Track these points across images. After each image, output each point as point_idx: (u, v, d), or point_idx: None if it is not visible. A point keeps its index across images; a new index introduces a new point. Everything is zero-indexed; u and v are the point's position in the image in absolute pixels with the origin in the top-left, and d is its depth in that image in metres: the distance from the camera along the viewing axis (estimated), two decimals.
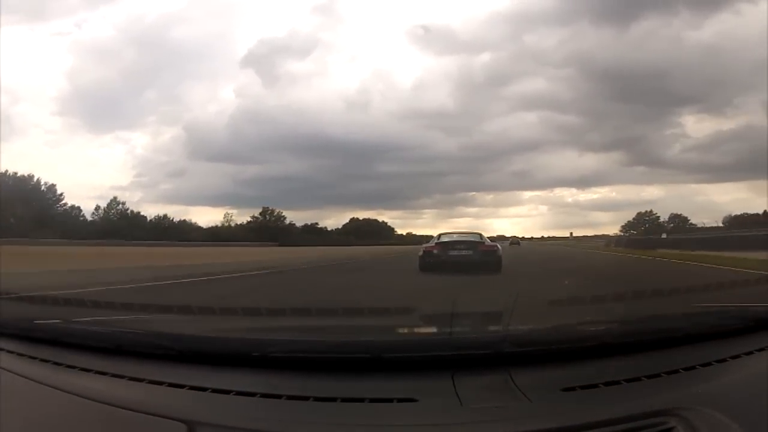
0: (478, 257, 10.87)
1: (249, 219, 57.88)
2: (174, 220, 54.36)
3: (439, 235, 12.65)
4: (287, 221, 56.93)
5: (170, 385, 1.10)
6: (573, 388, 1.04)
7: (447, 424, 0.93)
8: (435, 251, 11.29)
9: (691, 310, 1.88)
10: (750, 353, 1.21)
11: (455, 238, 12.12)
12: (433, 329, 1.76)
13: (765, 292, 3.83)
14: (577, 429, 0.88)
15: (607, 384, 1.05)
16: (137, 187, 78.18)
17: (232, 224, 57.65)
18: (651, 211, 58.89)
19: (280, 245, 40.48)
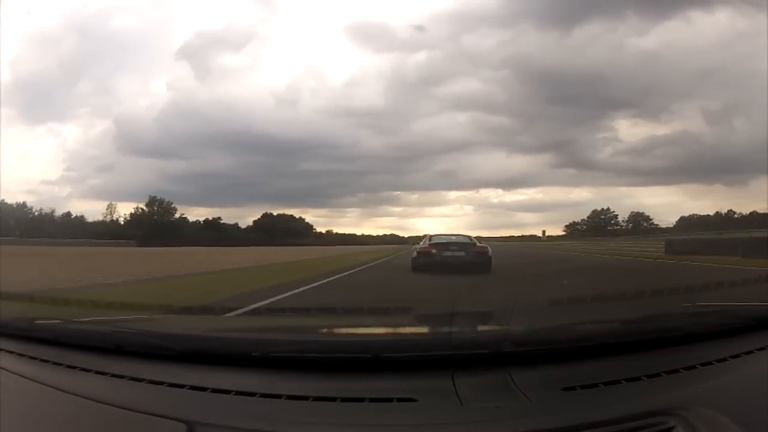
0: (470, 258, 11.17)
1: (131, 211, 49.96)
2: (35, 212, 47.70)
3: (430, 237, 13.03)
4: (178, 215, 50.32)
5: (170, 385, 1.10)
6: (573, 388, 1.04)
7: (447, 424, 0.93)
8: (429, 252, 11.60)
9: (691, 309, 1.88)
10: (750, 353, 1.21)
11: (445, 239, 12.48)
12: (433, 329, 1.76)
13: None
14: (577, 429, 0.88)
15: (607, 384, 1.05)
16: (66, 181, 72.75)
17: (117, 218, 51.01)
18: (608, 209, 57.52)
19: (139, 245, 31.78)
